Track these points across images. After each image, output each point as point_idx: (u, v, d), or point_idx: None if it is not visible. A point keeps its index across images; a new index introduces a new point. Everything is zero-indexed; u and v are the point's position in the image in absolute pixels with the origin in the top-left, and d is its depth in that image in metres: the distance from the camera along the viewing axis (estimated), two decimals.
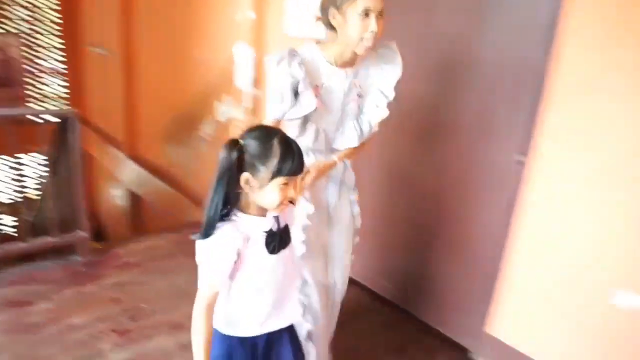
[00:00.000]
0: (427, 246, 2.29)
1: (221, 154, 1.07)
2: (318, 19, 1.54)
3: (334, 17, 1.43)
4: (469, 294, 2.14)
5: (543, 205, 1.85)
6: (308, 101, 1.47)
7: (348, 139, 1.61)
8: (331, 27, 1.48)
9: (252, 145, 1.07)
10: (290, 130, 1.52)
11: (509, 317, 2.02)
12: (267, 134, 1.10)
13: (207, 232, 1.09)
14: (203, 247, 1.11)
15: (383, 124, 1.63)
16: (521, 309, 1.98)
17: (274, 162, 1.06)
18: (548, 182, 1.83)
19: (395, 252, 2.45)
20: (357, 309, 2.38)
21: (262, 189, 1.09)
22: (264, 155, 1.07)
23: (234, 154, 1.06)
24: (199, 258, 1.12)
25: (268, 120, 1.49)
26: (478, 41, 1.98)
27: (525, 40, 1.82)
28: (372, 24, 1.39)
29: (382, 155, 2.39)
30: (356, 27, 1.40)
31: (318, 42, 1.55)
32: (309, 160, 1.53)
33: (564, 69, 1.72)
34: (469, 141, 2.07)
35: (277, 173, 1.07)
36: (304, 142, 1.52)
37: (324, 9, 1.46)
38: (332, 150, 1.63)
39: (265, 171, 1.07)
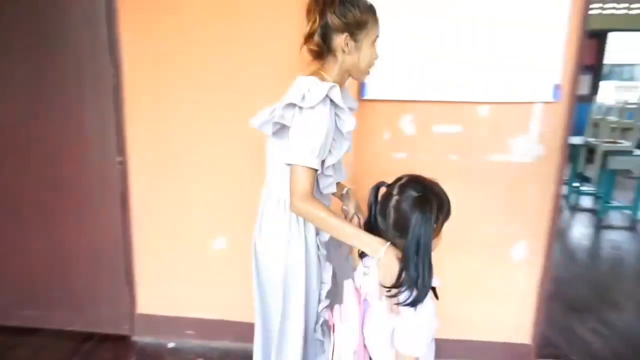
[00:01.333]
0: (56, 256, 2.35)
1: (418, 214, 1.06)
2: (309, 42, 1.31)
3: (347, 43, 1.28)
4: (109, 286, 2.36)
5: (147, 194, 2.24)
6: (347, 140, 1.33)
7: (343, 174, 1.48)
8: (325, 53, 1.31)
9: (437, 200, 1.10)
10: (327, 176, 1.33)
11: (151, 292, 2.36)
12: (434, 184, 1.13)
13: (422, 297, 1.08)
14: (420, 313, 1.09)
15: None
16: (158, 281, 2.34)
17: (445, 208, 1.13)
18: (146, 175, 2.21)
19: (28, 272, 2.38)
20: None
21: (437, 237, 1.14)
22: (442, 206, 1.11)
23: (434, 213, 1.08)
24: (413, 322, 1.09)
25: (306, 171, 1.22)
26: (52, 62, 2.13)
27: (93, 58, 2.10)
28: (377, 51, 1.35)
29: None
30: (368, 55, 1.32)
31: (315, 72, 1.33)
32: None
33: (131, 83, 2.11)
34: (70, 149, 2.21)
35: (446, 217, 1.14)
36: (334, 187, 1.39)
37: (328, 33, 1.27)
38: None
39: (441, 219, 1.13)
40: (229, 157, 2.14)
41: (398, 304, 1.09)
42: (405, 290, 1.07)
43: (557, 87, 1.90)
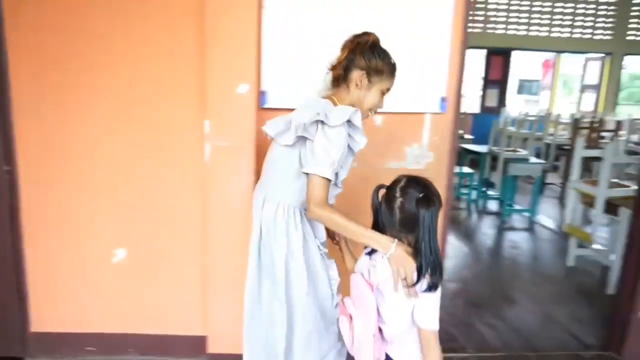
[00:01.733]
0: None
1: (425, 211, 1.21)
2: (335, 69, 1.49)
3: (362, 80, 1.44)
4: None
5: (39, 204, 2.11)
6: (353, 157, 1.51)
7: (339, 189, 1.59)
8: (341, 81, 1.48)
9: (435, 196, 1.25)
10: (338, 188, 1.53)
11: (46, 309, 2.22)
12: (427, 182, 1.28)
13: (440, 279, 1.25)
14: (434, 296, 1.25)
15: None
16: (54, 297, 2.22)
17: (440, 200, 1.27)
18: (38, 184, 2.10)
19: None
20: None
21: None
22: (438, 199, 1.26)
23: (435, 207, 1.23)
24: (431, 303, 1.25)
25: (324, 181, 1.36)
26: None
27: None
28: (383, 102, 1.51)
29: None
30: (374, 100, 1.48)
31: (329, 97, 1.49)
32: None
33: (19, 86, 2.00)
34: None
35: (439, 208, 1.26)
36: (334, 198, 1.53)
37: (350, 66, 1.45)
38: None
39: (438, 210, 1.26)
40: (126, 165, 2.09)
41: (422, 291, 1.24)
42: (423, 278, 1.23)
43: (443, 100, 2.06)
